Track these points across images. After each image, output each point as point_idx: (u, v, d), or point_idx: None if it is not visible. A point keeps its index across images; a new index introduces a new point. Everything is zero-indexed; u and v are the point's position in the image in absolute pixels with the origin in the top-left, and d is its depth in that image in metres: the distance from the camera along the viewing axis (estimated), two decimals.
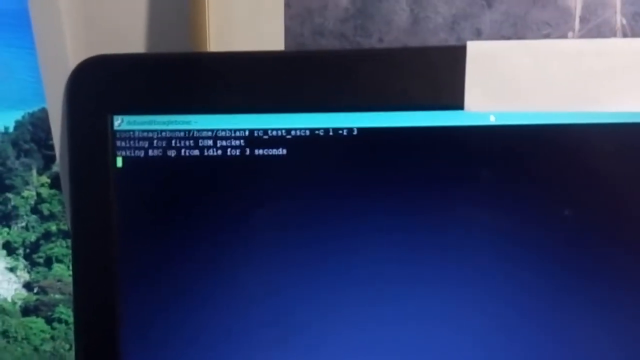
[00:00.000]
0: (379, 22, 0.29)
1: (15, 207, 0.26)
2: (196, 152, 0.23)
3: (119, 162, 0.24)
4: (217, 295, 0.24)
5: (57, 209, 0.26)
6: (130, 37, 0.25)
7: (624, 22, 0.27)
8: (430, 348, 0.24)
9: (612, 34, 0.27)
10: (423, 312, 0.23)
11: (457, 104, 0.22)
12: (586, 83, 0.22)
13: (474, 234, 0.23)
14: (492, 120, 0.22)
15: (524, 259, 0.23)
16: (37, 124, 0.24)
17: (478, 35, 0.27)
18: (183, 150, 0.23)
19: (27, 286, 0.27)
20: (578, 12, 0.27)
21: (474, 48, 0.22)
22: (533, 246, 0.23)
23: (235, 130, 0.23)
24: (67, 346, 0.28)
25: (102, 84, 0.24)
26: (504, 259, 0.23)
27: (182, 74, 0.23)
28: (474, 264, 0.23)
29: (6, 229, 0.26)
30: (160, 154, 0.23)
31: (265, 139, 0.23)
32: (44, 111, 0.24)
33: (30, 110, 0.24)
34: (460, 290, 0.23)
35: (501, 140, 0.22)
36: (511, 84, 0.22)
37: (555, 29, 0.28)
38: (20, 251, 0.27)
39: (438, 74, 0.22)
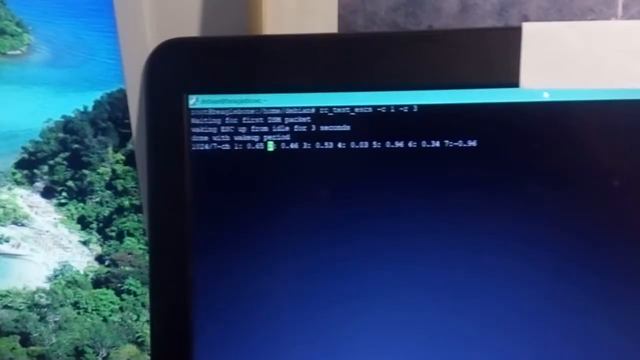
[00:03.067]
0: (429, 10, 0.31)
1: (90, 183, 0.28)
2: (265, 129, 0.25)
3: (194, 143, 0.25)
4: (291, 278, 0.26)
5: (130, 184, 0.27)
6: (195, 22, 0.27)
7: None
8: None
9: None
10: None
11: (513, 81, 0.24)
12: (634, 61, 0.23)
13: (527, 214, 0.24)
14: (546, 97, 0.24)
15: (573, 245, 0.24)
16: (115, 104, 0.26)
17: (525, 21, 0.29)
18: (253, 127, 0.25)
19: (99, 259, 0.29)
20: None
21: (529, 28, 0.23)
22: (582, 229, 0.24)
23: (302, 108, 0.25)
24: (135, 317, 0.29)
25: (178, 66, 0.25)
26: (551, 249, 0.24)
27: (252, 56, 0.25)
28: (520, 250, 0.25)
29: (81, 204, 0.28)
30: (232, 130, 0.25)
31: (331, 115, 0.25)
32: (121, 92, 0.26)
33: (109, 91, 0.26)
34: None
35: (555, 116, 0.24)
36: (564, 62, 0.23)
37: (598, 14, 0.29)
38: (94, 225, 0.28)
39: (494, 54, 0.24)
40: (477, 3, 0.30)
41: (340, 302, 0.26)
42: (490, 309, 0.25)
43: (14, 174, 0.27)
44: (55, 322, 0.29)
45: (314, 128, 0.25)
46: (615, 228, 0.24)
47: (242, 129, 0.25)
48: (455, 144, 0.24)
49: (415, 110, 0.24)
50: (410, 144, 0.25)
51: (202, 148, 0.25)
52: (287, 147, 0.25)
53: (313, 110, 0.25)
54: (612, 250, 0.24)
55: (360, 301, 0.26)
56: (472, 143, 0.24)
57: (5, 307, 0.28)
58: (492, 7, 0.29)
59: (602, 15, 0.29)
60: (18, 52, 0.26)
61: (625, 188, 0.24)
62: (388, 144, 0.25)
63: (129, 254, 0.28)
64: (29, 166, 0.27)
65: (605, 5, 0.28)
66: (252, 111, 0.25)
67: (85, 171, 0.27)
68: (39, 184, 0.28)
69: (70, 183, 0.27)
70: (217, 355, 0.26)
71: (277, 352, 0.27)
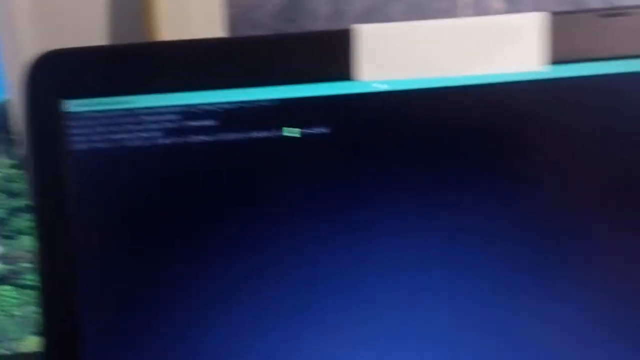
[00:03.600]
0: (306, 16, 0.34)
1: None
2: (138, 127, 0.27)
3: (72, 144, 0.27)
4: (172, 270, 0.28)
5: (23, 187, 0.29)
6: (85, 30, 0.29)
7: (503, 5, 0.32)
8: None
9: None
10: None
11: (350, 75, 0.27)
12: (448, 53, 0.26)
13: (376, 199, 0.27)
14: (382, 87, 0.27)
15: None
16: (3, 114, 0.28)
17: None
18: (126, 126, 0.27)
19: (2, 258, 0.31)
20: (466, 3, 0.32)
21: (358, 29, 0.26)
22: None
23: (171, 107, 0.27)
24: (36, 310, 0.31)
25: (55, 74, 0.27)
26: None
27: (123, 62, 0.27)
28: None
29: None
30: (107, 130, 0.27)
31: (198, 112, 0.27)
32: (8, 102, 0.28)
33: None
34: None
35: (390, 103, 0.27)
36: (390, 56, 0.26)
37: (446, 14, 0.32)
38: None
39: (332, 52, 0.27)
40: (346, 9, 0.33)
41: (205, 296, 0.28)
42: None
43: None
44: None
45: (183, 124, 0.28)
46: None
47: (116, 128, 0.28)
48: (310, 131, 0.27)
49: (274, 104, 0.27)
50: (272, 134, 0.27)
51: (80, 148, 0.28)
52: (158, 142, 0.28)
53: (182, 109, 0.28)
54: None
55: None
56: (324, 130, 0.27)
57: None
58: (360, 12, 0.32)
59: (450, 14, 0.32)
60: None
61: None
62: (254, 134, 0.27)
63: (27, 251, 0.30)
64: None
65: (452, 6, 0.32)
66: (125, 112, 0.28)
67: None
68: None
69: None
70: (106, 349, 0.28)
71: (166, 346, 0.29)
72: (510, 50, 0.27)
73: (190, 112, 0.27)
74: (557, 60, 0.27)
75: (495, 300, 0.28)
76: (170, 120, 0.28)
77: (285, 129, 0.27)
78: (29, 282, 0.30)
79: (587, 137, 0.27)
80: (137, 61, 0.27)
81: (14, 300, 0.30)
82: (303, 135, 0.27)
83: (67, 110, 0.28)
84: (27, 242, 0.30)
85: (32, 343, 0.31)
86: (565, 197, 0.28)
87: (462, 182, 0.28)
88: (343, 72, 0.27)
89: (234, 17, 0.32)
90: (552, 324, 0.28)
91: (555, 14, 0.26)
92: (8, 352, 0.31)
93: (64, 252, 0.28)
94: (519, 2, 0.32)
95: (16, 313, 0.31)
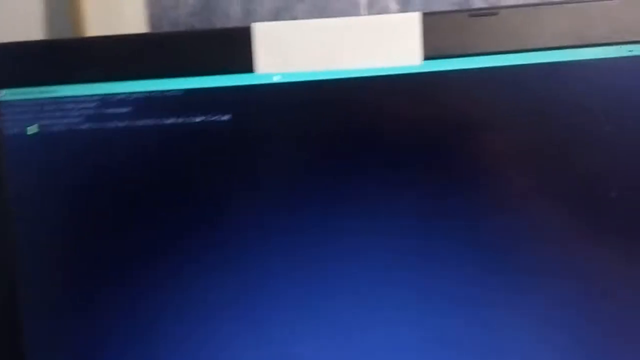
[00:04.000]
0: (219, 15, 0.37)
1: None
2: (61, 114, 0.31)
3: (4, 130, 0.31)
4: (107, 256, 0.31)
5: None
6: (18, 26, 0.32)
7: (397, 7, 0.35)
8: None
9: None
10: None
11: (252, 68, 0.30)
12: (337, 48, 0.30)
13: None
14: (278, 79, 0.30)
15: None
16: None
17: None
18: (52, 112, 0.31)
19: None
20: (364, 3, 0.35)
21: (258, 27, 0.30)
22: None
23: (91, 95, 0.31)
24: None
25: None
26: None
27: (49, 56, 0.31)
28: None
29: None
30: (36, 117, 0.31)
31: (114, 100, 0.31)
32: None
33: None
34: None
35: (287, 95, 0.30)
36: (287, 50, 0.30)
37: (347, 14, 0.36)
38: None
39: (238, 46, 0.30)
40: (257, 9, 0.36)
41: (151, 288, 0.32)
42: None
43: None
44: None
45: (99, 111, 0.31)
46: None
47: (44, 115, 0.31)
48: (213, 118, 0.31)
49: (181, 94, 0.31)
50: (180, 120, 0.31)
51: (11, 133, 0.31)
52: (79, 128, 0.31)
53: (100, 97, 0.31)
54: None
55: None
56: (226, 117, 0.31)
57: None
58: (269, 12, 0.36)
59: (350, 14, 0.35)
60: None
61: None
62: (163, 121, 0.31)
63: None
64: None
65: (352, 8, 0.35)
66: (50, 100, 0.31)
67: None
68: None
69: None
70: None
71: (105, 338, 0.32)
72: (391, 46, 0.30)
73: (106, 101, 0.31)
74: (429, 56, 0.30)
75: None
76: (88, 108, 0.31)
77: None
78: None
79: (457, 125, 0.31)
80: (62, 55, 0.31)
81: None
82: (205, 122, 0.31)
83: (1, 99, 0.31)
84: None
85: None
86: (438, 184, 0.31)
87: (350, 170, 0.31)
88: (244, 65, 0.30)
89: (155, 17, 0.35)
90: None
91: (427, 14, 0.30)
92: None
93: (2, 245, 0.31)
94: (412, 4, 0.36)
95: None
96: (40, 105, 0.31)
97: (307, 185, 0.31)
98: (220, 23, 0.36)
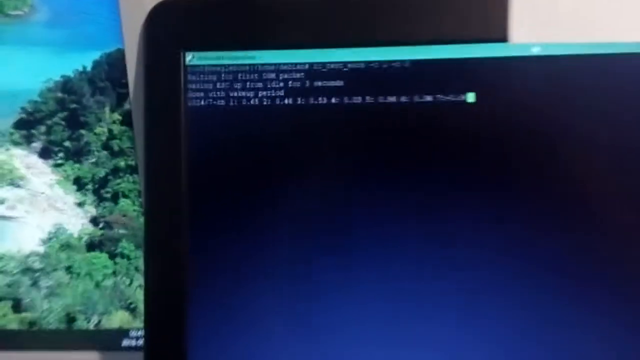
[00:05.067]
0: None
1: (87, 143, 0.28)
2: (260, 85, 0.25)
3: (190, 100, 0.26)
4: (289, 242, 0.26)
5: (126, 145, 0.28)
6: None
7: None
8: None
9: None
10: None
11: (502, 36, 0.24)
12: (624, 14, 0.24)
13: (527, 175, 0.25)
14: (537, 51, 0.24)
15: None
16: (113, 64, 0.27)
17: None
18: (248, 83, 0.26)
19: (94, 221, 0.29)
20: None
21: None
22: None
23: (296, 64, 0.25)
24: (128, 281, 0.29)
25: (175, 25, 0.26)
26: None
27: (247, 14, 0.25)
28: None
29: (77, 165, 0.28)
30: (227, 87, 0.26)
31: (324, 71, 0.25)
32: (119, 51, 0.26)
33: (108, 51, 0.27)
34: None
35: (545, 70, 0.24)
36: (553, 16, 0.24)
37: None
38: (90, 186, 0.28)
39: (483, 8, 0.24)
40: None
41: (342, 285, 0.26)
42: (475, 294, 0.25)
43: (12, 134, 0.28)
44: (47, 287, 0.29)
45: (307, 84, 0.26)
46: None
47: (237, 85, 0.26)
48: (447, 98, 0.25)
49: (407, 65, 0.25)
50: (403, 99, 0.25)
51: (198, 104, 0.26)
52: (281, 103, 0.26)
53: (307, 67, 0.26)
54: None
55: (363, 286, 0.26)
56: (470, 98, 0.25)
57: None
58: None
59: None
60: (21, 12, 0.27)
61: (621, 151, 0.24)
62: (381, 99, 0.25)
63: (124, 215, 0.28)
64: (27, 126, 0.28)
65: None
66: (247, 67, 0.26)
67: (83, 131, 0.28)
68: (36, 145, 0.28)
69: (67, 143, 0.28)
70: (212, 329, 0.26)
71: (274, 323, 0.26)
72: None
73: (316, 71, 0.26)
74: None
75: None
76: (294, 79, 0.26)
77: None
78: (124, 251, 0.28)
79: None
80: (263, 13, 0.26)
81: (105, 270, 0.29)
82: (439, 102, 0.25)
83: (187, 63, 0.26)
84: (126, 206, 0.28)
85: (118, 319, 0.29)
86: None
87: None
88: (494, 33, 0.25)
89: None
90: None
91: None
92: (91, 327, 0.29)
93: (173, 219, 0.26)
94: None
95: (106, 284, 0.29)
96: (235, 74, 0.26)
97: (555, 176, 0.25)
98: None
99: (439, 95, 0.25)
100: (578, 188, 0.25)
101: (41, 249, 0.29)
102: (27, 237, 0.29)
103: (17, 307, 0.30)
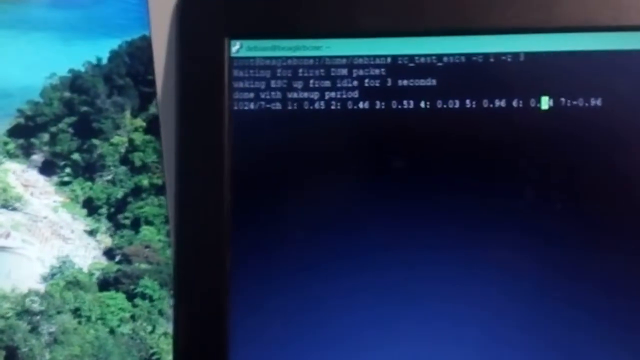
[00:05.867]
0: None
1: (101, 156, 0.23)
2: (327, 83, 0.20)
3: (235, 101, 0.20)
4: (346, 273, 0.20)
5: (151, 159, 0.23)
6: None
7: None
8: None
9: None
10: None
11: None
12: None
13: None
14: None
15: None
16: (136, 55, 0.22)
17: None
18: (312, 81, 0.20)
19: (108, 253, 0.24)
20: None
21: None
22: None
23: (375, 57, 0.20)
24: (150, 328, 0.24)
25: (217, 6, 0.20)
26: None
27: None
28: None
29: (89, 183, 0.23)
30: (285, 85, 0.20)
31: (412, 67, 0.20)
32: (145, 40, 0.21)
33: (129, 39, 0.22)
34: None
35: None
36: None
37: None
38: (104, 210, 0.23)
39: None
40: None
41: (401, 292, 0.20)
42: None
43: (6, 143, 0.22)
44: (49, 333, 0.23)
45: (389, 83, 0.20)
46: None
47: (298, 84, 0.20)
48: (574, 102, 0.20)
49: (521, 59, 0.20)
50: (514, 104, 0.20)
51: (246, 108, 0.20)
52: (356, 108, 0.20)
53: (389, 60, 0.20)
54: None
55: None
56: (596, 102, 0.20)
57: None
58: None
59: None
60: None
61: None
62: (486, 104, 0.20)
63: (146, 247, 0.23)
64: (25, 134, 0.22)
65: None
66: (311, 61, 0.20)
67: (96, 141, 0.23)
68: (37, 157, 0.23)
69: (75, 156, 0.23)
70: None
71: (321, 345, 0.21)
72: None
73: (401, 66, 0.20)
74: None
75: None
76: (372, 77, 0.20)
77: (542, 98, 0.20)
78: (146, 291, 0.23)
79: None
80: None
81: (122, 314, 0.23)
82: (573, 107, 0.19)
83: (233, 55, 0.21)
84: (149, 234, 0.22)
85: None
86: None
87: None
88: (630, 19, 0.19)
89: None
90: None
91: None
92: None
93: (212, 251, 0.21)
94: None
95: (122, 330, 0.23)
96: (294, 69, 0.20)
97: None
98: None
99: (562, 99, 0.20)
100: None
101: (42, 287, 0.24)
102: (24, 273, 0.24)
103: (11, 357, 0.25)
